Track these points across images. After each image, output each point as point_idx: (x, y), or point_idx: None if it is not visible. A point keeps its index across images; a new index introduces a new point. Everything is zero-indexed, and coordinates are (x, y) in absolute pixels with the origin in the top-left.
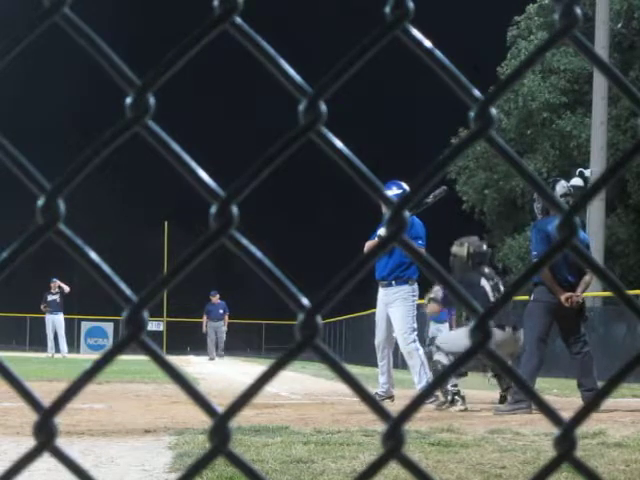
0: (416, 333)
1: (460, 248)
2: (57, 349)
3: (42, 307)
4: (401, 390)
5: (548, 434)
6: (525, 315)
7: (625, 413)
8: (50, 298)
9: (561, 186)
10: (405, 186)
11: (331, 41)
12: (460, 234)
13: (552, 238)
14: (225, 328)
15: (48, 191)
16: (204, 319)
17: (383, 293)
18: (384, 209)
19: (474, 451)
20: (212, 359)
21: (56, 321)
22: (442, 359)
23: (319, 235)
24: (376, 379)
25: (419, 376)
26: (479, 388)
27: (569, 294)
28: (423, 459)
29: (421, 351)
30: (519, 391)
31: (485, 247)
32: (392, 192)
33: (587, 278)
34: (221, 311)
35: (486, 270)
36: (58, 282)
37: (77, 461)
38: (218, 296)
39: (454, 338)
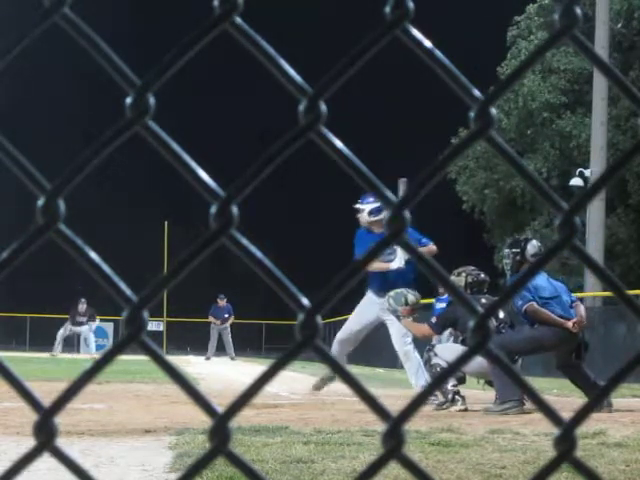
0: (411, 336)
1: (458, 278)
2: (61, 349)
3: (69, 325)
4: (401, 390)
5: (548, 434)
6: (524, 328)
7: (625, 413)
8: (79, 319)
9: (532, 246)
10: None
11: (331, 41)
12: (460, 234)
13: (530, 287)
14: (228, 329)
15: (48, 191)
16: (212, 320)
17: (380, 301)
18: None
19: (474, 451)
20: (208, 359)
21: (83, 331)
22: (440, 362)
23: (319, 235)
24: (377, 379)
25: (416, 377)
26: (479, 388)
27: (575, 319)
28: (423, 459)
29: (417, 353)
30: (506, 391)
31: (483, 275)
32: (370, 205)
33: (582, 309)
34: (226, 315)
35: (483, 300)
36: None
37: (77, 461)
38: (225, 300)
39: (454, 351)
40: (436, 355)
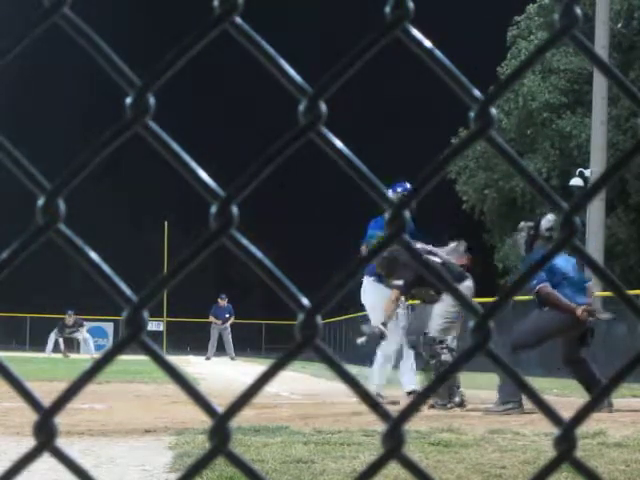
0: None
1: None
2: (56, 350)
3: (55, 334)
4: (401, 390)
5: (548, 434)
6: (529, 318)
7: (625, 413)
8: (67, 330)
9: (547, 220)
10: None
11: (331, 41)
12: (460, 234)
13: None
14: (229, 329)
15: (48, 191)
16: (213, 320)
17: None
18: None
19: (474, 451)
20: (208, 359)
21: (79, 336)
22: (449, 359)
23: (319, 235)
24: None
25: (407, 375)
26: (479, 388)
27: (584, 306)
28: (423, 459)
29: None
30: (507, 392)
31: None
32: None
33: (591, 292)
34: (227, 315)
35: (419, 245)
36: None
37: (77, 461)
38: (226, 300)
39: (436, 320)
40: (441, 345)
